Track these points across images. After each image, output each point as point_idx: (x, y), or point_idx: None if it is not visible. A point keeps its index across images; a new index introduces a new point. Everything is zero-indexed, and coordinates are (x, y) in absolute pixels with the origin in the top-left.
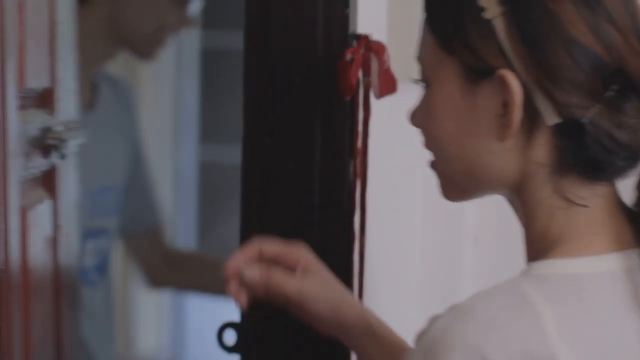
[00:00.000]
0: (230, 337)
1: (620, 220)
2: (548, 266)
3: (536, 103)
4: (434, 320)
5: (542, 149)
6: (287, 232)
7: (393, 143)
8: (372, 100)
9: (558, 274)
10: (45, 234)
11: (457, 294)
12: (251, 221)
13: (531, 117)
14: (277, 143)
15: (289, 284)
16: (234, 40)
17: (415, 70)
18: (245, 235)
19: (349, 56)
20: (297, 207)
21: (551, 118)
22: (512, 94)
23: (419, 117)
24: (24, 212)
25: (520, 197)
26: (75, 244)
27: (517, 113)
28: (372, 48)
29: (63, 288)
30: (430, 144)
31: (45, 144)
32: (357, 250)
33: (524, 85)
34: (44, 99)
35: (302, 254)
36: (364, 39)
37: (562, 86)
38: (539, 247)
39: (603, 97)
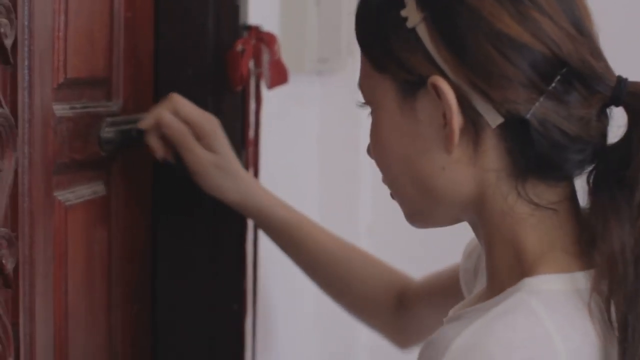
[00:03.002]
0: None
1: (581, 227)
2: (545, 282)
3: (475, 106)
4: (444, 334)
5: (492, 154)
6: (180, 221)
7: (286, 133)
8: (264, 90)
9: (560, 291)
10: None
11: None
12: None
13: (474, 122)
14: None
15: (189, 153)
16: None
17: (305, 61)
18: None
19: (239, 47)
20: (189, 197)
21: (493, 119)
22: (446, 100)
23: (370, 147)
24: None
25: (484, 211)
26: None
27: (456, 119)
28: (263, 39)
29: None
30: (384, 174)
31: None
32: (250, 240)
33: (459, 89)
34: None
35: (210, 127)
36: (254, 30)
37: (496, 83)
38: (512, 259)
39: (546, 90)
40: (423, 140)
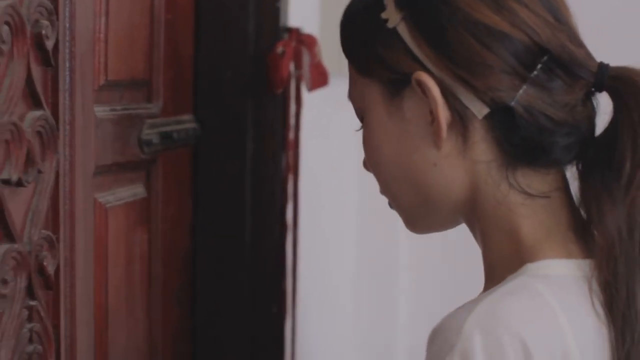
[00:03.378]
0: None
1: (575, 216)
2: (547, 267)
3: (461, 98)
4: (453, 318)
5: (481, 146)
6: (220, 224)
7: (326, 135)
8: (304, 92)
9: (561, 275)
10: None
11: (392, 285)
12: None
13: (461, 115)
14: (208, 136)
15: None
16: None
17: (345, 63)
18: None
19: (280, 49)
20: (230, 199)
21: (479, 110)
22: (431, 95)
23: (365, 159)
24: None
25: (478, 203)
26: None
27: (442, 113)
28: (304, 41)
29: None
30: (381, 182)
31: None
32: (290, 242)
33: (443, 83)
34: None
35: None
36: (295, 32)
37: (479, 72)
38: (509, 249)
39: (528, 77)
40: (412, 139)
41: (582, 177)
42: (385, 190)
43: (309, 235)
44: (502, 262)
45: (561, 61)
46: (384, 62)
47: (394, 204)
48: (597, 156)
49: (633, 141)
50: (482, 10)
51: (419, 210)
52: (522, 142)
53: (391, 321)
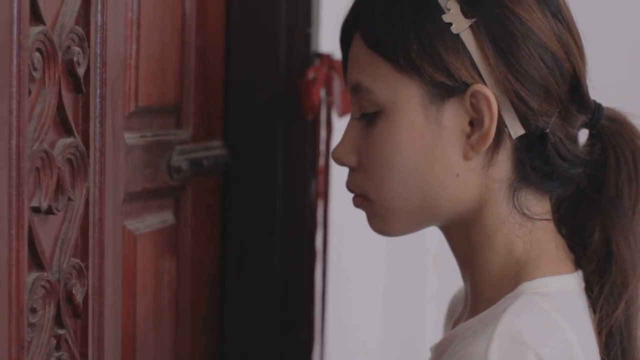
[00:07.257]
0: None
1: (560, 236)
2: (544, 284)
3: (504, 117)
4: (472, 348)
5: (503, 165)
6: (249, 251)
7: None
8: (334, 119)
9: (559, 291)
10: None
11: (419, 314)
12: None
13: (498, 132)
14: (239, 161)
15: None
16: None
17: None
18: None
19: (311, 75)
20: (259, 226)
21: (516, 130)
22: (490, 108)
23: (357, 152)
24: None
25: (479, 219)
26: None
27: (494, 127)
28: (335, 67)
29: None
30: (376, 181)
31: None
32: (319, 269)
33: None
34: None
35: None
36: (326, 58)
37: (538, 94)
38: (503, 267)
39: (562, 105)
40: (442, 146)
41: (575, 203)
42: (377, 189)
43: (338, 262)
44: (492, 281)
45: (580, 95)
46: (441, 65)
47: (382, 204)
48: (590, 186)
49: (628, 175)
50: (549, 35)
51: (411, 215)
52: (541, 167)
53: (418, 350)
